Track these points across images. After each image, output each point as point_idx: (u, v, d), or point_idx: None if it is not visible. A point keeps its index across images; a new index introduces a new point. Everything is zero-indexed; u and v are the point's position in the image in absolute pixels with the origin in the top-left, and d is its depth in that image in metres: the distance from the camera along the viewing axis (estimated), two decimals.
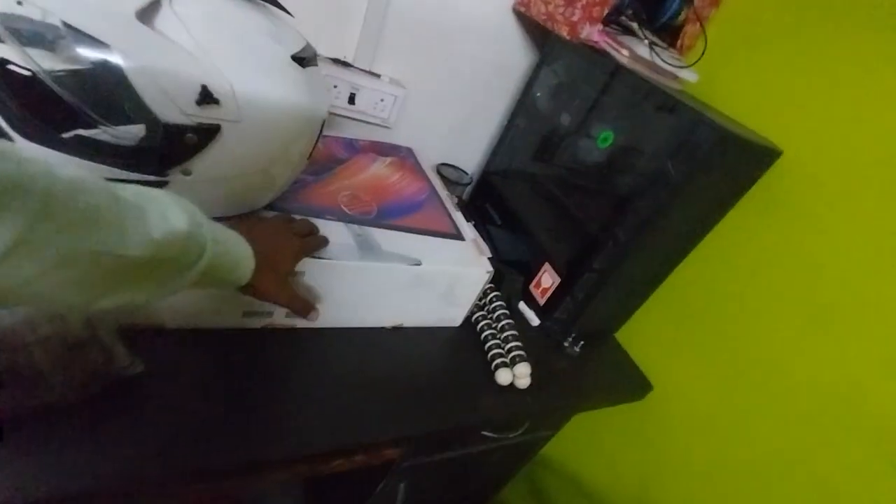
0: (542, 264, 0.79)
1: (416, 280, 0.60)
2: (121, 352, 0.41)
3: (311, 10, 0.71)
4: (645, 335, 0.84)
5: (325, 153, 0.71)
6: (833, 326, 0.63)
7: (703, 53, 0.72)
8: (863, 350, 0.60)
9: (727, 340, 0.74)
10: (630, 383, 0.80)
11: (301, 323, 0.57)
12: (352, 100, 0.80)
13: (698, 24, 0.76)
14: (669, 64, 0.72)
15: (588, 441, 0.95)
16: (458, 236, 0.68)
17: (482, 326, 0.69)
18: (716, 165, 0.60)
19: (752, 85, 0.75)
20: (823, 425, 0.63)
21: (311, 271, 0.52)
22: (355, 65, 0.79)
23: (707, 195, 0.66)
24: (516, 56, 0.91)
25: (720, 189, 0.67)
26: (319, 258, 0.52)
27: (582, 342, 0.75)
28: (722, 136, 0.56)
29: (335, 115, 0.81)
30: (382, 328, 0.64)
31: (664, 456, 0.82)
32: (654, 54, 0.71)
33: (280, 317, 0.56)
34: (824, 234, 0.64)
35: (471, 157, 1.03)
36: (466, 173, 0.97)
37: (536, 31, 0.87)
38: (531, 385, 0.64)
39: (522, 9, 0.80)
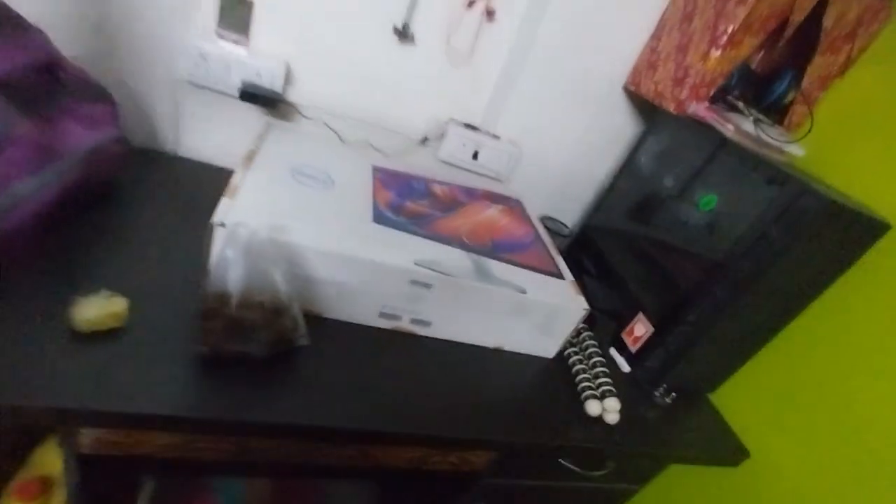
0: (636, 314, 0.84)
1: (520, 307, 0.69)
2: (302, 325, 0.55)
3: (451, 83, 0.89)
4: (742, 401, 0.82)
5: (451, 196, 0.85)
6: None
7: (809, 131, 0.76)
8: None
9: (838, 420, 0.71)
10: (724, 446, 0.78)
11: (421, 331, 0.68)
12: (475, 156, 0.94)
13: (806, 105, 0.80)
14: (775, 139, 0.77)
15: None
16: (559, 275, 0.76)
17: (573, 361, 0.75)
18: (818, 234, 0.62)
19: (862, 161, 0.76)
20: None
21: (436, 285, 0.64)
22: (481, 128, 0.94)
23: (810, 263, 0.67)
24: (624, 126, 1.01)
25: (825, 258, 0.68)
26: (443, 274, 0.63)
27: (674, 394, 0.77)
28: (825, 205, 0.60)
29: (460, 167, 0.96)
30: (485, 347, 0.72)
31: None
32: (758, 129, 0.76)
33: (406, 322, 0.67)
34: None
35: (571, 213, 1.12)
36: (566, 226, 1.06)
37: (645, 106, 0.97)
38: (619, 424, 0.68)
39: (633, 87, 0.91)
